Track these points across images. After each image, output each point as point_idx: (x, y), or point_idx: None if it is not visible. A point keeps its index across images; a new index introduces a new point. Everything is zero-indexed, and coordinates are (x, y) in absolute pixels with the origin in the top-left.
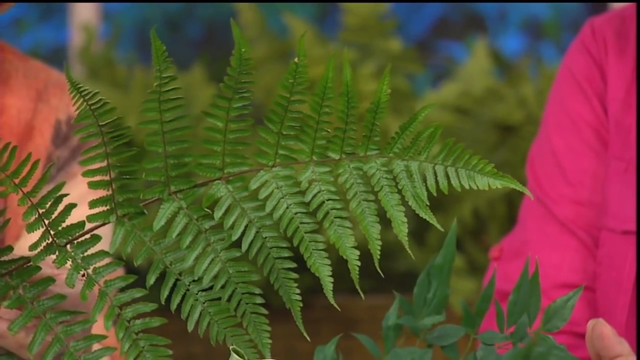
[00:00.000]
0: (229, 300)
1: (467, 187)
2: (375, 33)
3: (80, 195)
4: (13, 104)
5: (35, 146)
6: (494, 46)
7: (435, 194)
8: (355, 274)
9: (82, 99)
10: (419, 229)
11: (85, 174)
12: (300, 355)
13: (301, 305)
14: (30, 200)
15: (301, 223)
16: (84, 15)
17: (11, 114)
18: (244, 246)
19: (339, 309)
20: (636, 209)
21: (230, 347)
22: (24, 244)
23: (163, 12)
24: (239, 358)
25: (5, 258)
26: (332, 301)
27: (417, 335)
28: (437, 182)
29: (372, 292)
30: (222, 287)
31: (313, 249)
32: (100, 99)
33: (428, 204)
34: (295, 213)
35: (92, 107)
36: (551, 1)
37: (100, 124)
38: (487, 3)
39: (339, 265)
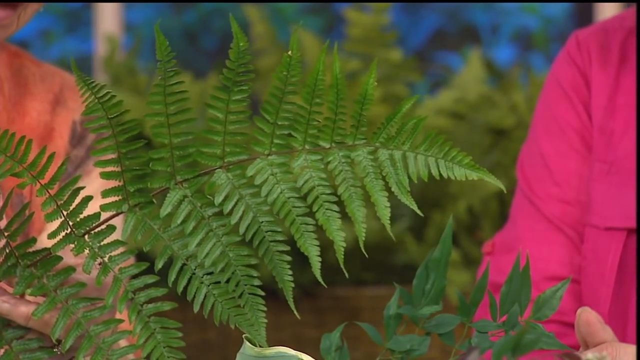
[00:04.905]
0: (227, 281)
1: (445, 176)
2: (377, 44)
3: (95, 190)
4: (34, 107)
5: (55, 147)
6: (487, 56)
7: (415, 181)
8: (340, 254)
9: (90, 92)
10: (418, 226)
11: (97, 164)
12: (307, 342)
13: (292, 285)
14: (48, 191)
15: (293, 207)
16: (107, 27)
17: (32, 116)
18: (242, 229)
19: (344, 295)
20: (636, 208)
21: (244, 337)
22: (46, 237)
23: (181, 25)
24: (252, 346)
25: (30, 249)
26: (319, 278)
27: (416, 324)
28: (418, 170)
29: (375, 283)
30: (222, 270)
31: (303, 231)
32: (108, 92)
33: (409, 189)
34: (288, 197)
35: (100, 100)
36: (547, 1)
37: (110, 116)
38: (482, 16)
39: (345, 261)
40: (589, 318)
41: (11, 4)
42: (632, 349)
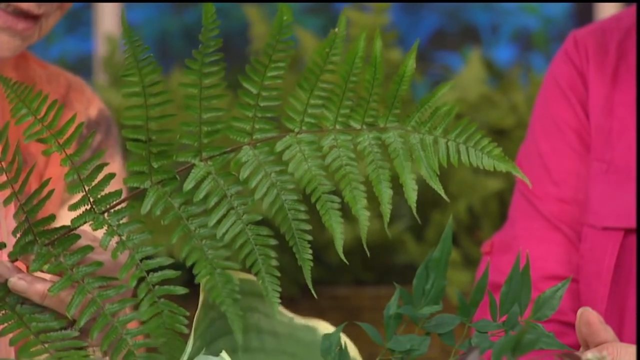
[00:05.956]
0: (245, 258)
1: (474, 165)
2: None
3: None
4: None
5: None
6: (487, 56)
7: (446, 166)
8: (364, 232)
9: (131, 53)
10: (418, 225)
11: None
12: None
13: (312, 264)
14: (72, 162)
15: (320, 184)
16: (107, 27)
17: None
18: (265, 205)
19: (345, 295)
20: (636, 208)
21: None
22: (63, 215)
23: (181, 25)
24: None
25: (48, 227)
26: (341, 254)
27: (416, 324)
28: (448, 156)
29: (375, 283)
30: (241, 247)
31: (329, 208)
32: (150, 56)
33: (438, 173)
34: (315, 174)
35: (139, 65)
36: (547, 1)
37: (145, 85)
38: (482, 16)
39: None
40: (589, 318)
41: (32, 16)
42: (633, 349)
